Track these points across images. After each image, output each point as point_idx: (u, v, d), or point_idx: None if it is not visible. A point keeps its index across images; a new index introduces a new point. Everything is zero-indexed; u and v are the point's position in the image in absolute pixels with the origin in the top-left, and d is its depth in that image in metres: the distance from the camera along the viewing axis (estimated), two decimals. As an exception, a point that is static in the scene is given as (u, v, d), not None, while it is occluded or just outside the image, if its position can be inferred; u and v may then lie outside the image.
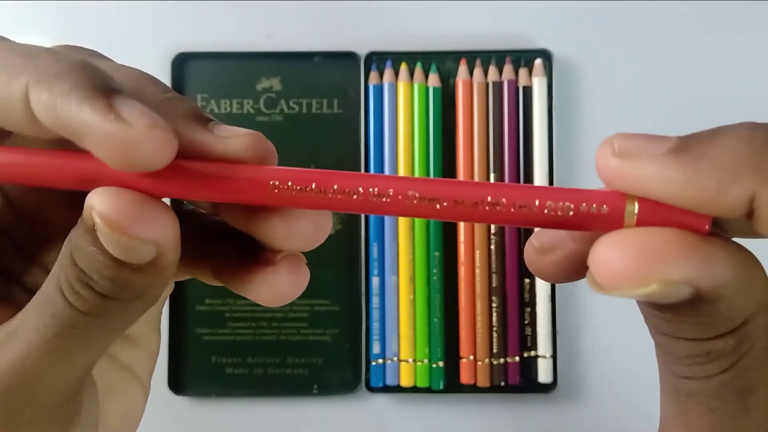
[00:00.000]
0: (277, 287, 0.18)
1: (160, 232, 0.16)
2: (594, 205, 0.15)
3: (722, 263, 0.14)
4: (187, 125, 0.17)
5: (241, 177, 0.16)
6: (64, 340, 0.16)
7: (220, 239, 0.19)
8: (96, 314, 0.16)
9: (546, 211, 0.15)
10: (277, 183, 0.16)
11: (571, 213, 0.15)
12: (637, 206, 0.15)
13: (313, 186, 0.16)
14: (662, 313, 0.15)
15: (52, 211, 0.20)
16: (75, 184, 0.16)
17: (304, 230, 0.17)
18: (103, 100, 0.15)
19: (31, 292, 0.17)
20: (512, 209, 0.15)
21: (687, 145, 0.14)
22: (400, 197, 0.16)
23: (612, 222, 0.15)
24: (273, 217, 0.17)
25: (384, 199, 0.16)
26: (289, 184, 0.16)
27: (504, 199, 0.15)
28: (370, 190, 0.16)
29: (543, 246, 0.17)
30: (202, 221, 0.19)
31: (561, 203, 0.15)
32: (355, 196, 0.16)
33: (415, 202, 0.16)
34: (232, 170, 0.16)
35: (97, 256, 0.16)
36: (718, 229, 0.16)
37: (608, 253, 0.15)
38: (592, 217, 0.15)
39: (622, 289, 0.15)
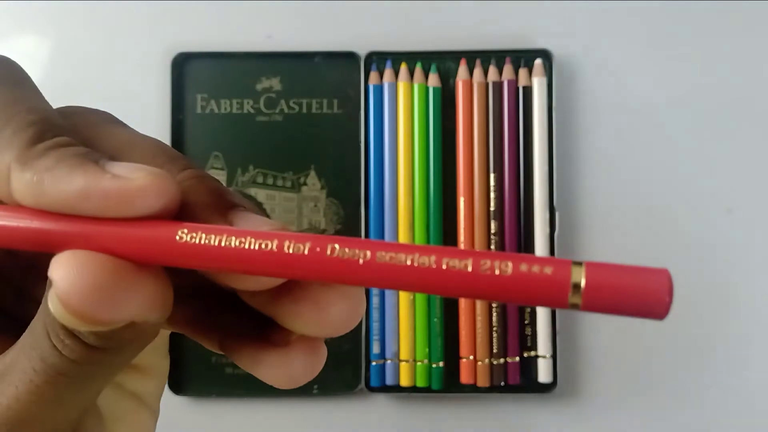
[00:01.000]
0: (289, 371, 0.16)
1: (132, 312, 0.14)
2: (535, 266, 0.14)
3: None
4: (206, 215, 0.15)
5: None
6: (54, 387, 0.15)
7: (231, 310, 0.17)
8: (85, 363, 0.15)
9: (481, 270, 0.14)
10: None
11: (510, 272, 0.14)
12: (584, 268, 0.13)
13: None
14: None
15: None
16: (36, 246, 0.15)
17: (336, 318, 0.16)
18: (93, 165, 0.14)
19: (26, 323, 0.16)
20: (444, 267, 0.14)
21: None
22: (318, 249, 0.14)
23: (557, 289, 0.13)
24: (302, 302, 0.15)
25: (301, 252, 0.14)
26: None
27: (433, 257, 0.14)
28: (286, 243, 0.14)
29: None
30: (213, 290, 0.18)
31: (498, 262, 0.14)
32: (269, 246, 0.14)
33: (334, 255, 0.14)
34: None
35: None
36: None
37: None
38: (534, 281, 0.13)
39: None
